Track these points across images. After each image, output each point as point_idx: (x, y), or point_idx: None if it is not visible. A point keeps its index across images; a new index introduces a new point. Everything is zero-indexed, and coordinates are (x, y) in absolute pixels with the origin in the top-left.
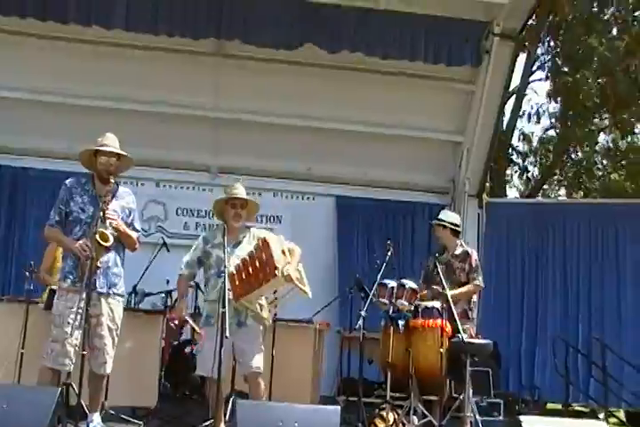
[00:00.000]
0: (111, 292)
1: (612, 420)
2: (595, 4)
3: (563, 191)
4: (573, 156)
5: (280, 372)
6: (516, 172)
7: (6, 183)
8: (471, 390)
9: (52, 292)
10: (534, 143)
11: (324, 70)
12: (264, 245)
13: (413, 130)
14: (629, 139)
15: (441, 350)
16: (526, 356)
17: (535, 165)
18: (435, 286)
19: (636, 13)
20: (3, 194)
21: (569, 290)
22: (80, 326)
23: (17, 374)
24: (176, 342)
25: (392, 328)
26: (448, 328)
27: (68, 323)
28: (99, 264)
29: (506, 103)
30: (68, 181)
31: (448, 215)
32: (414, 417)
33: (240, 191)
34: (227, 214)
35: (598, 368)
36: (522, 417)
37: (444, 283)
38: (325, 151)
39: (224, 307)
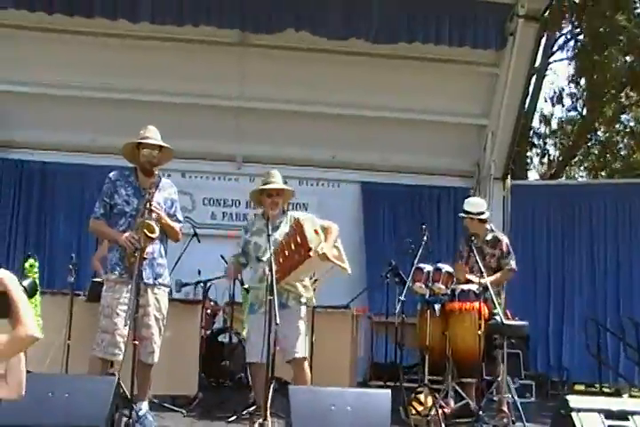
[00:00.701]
0: (157, 282)
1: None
2: None
3: (584, 173)
4: (596, 136)
5: (319, 358)
6: (537, 155)
7: (34, 178)
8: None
9: (95, 284)
10: (553, 125)
11: (346, 57)
12: (297, 227)
13: (437, 114)
14: None
15: (479, 332)
16: (554, 337)
17: (556, 147)
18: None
19: None
20: (32, 189)
21: (596, 270)
22: (129, 317)
23: (65, 363)
24: (209, 331)
25: (429, 312)
26: (485, 311)
27: (117, 314)
28: (145, 255)
29: (530, 85)
30: (111, 175)
31: (472, 204)
32: (451, 400)
33: (275, 180)
34: (264, 203)
35: (631, 348)
36: (568, 397)
37: (483, 270)
38: (349, 138)
39: (272, 294)
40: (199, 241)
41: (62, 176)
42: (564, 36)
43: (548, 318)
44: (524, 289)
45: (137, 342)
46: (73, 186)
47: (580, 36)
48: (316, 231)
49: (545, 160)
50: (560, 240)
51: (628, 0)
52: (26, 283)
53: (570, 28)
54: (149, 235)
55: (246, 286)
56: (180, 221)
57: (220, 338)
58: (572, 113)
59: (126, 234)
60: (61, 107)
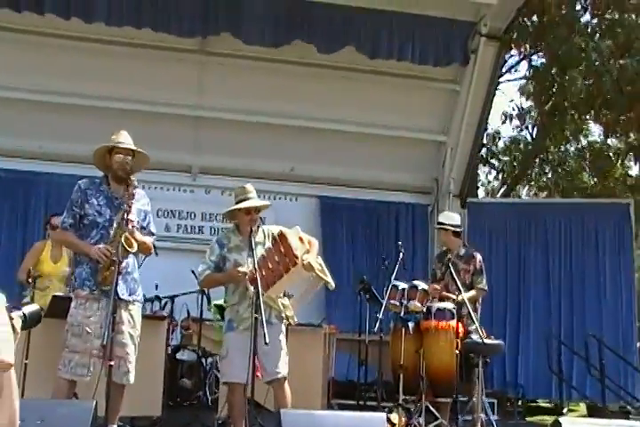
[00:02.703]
0: (131, 298)
1: (576, 413)
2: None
3: (534, 192)
4: (550, 156)
5: (290, 378)
6: (485, 173)
7: None
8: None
9: (56, 299)
10: (500, 144)
11: (308, 69)
12: (281, 238)
13: (397, 129)
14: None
15: (456, 351)
16: (510, 354)
17: (506, 166)
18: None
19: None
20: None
21: (550, 287)
22: (101, 336)
23: (22, 385)
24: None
25: (403, 330)
26: (461, 329)
27: (88, 332)
28: (120, 270)
29: (490, 103)
30: (81, 183)
31: (448, 217)
32: (420, 419)
33: (252, 196)
34: (240, 219)
35: (593, 367)
36: (561, 418)
37: (460, 286)
38: (308, 151)
39: (257, 312)
40: (157, 254)
41: (7, 183)
42: (515, 57)
43: (505, 335)
44: (482, 306)
45: (112, 363)
46: (17, 193)
47: (534, 57)
48: (300, 239)
49: (491, 178)
50: (516, 257)
51: (585, 26)
52: (28, 310)
53: (523, 49)
54: (128, 249)
55: (219, 302)
56: (152, 234)
57: (179, 355)
58: (522, 133)
59: (99, 246)
60: (6, 111)
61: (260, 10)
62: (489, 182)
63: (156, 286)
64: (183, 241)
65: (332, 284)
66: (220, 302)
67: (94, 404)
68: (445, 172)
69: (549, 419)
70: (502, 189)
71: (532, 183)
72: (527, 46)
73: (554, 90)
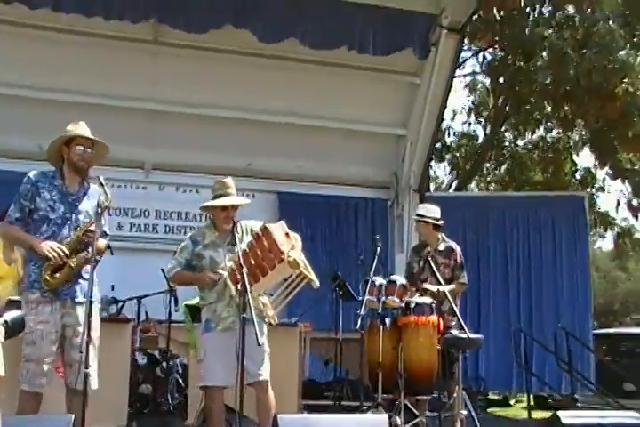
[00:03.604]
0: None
1: (521, 404)
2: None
3: (488, 186)
4: (503, 151)
5: None
6: (434, 168)
7: None
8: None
9: (11, 302)
10: (450, 137)
11: (265, 60)
12: (264, 233)
13: (356, 123)
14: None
15: (438, 346)
16: None
17: (458, 160)
18: (421, 283)
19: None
20: None
21: (509, 281)
22: (56, 341)
23: None
24: None
25: (381, 327)
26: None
27: (42, 338)
28: (73, 271)
29: (448, 96)
30: (32, 175)
31: (428, 209)
32: (397, 418)
33: (231, 192)
34: (216, 215)
35: (561, 360)
36: (559, 412)
37: (440, 278)
38: (266, 146)
39: (244, 311)
40: (112, 253)
41: None
42: (464, 53)
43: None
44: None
45: (88, 371)
46: None
47: (489, 50)
48: (287, 235)
49: (440, 173)
50: (475, 251)
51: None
52: (9, 316)
53: (479, 42)
54: (92, 256)
55: (191, 302)
56: (106, 235)
57: (138, 359)
58: (471, 127)
59: (50, 242)
60: None
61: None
62: (437, 177)
63: (112, 288)
64: (137, 240)
65: (317, 282)
66: (192, 302)
67: (72, 418)
68: (405, 166)
69: (498, 410)
70: (454, 184)
71: (483, 178)
72: (483, 40)
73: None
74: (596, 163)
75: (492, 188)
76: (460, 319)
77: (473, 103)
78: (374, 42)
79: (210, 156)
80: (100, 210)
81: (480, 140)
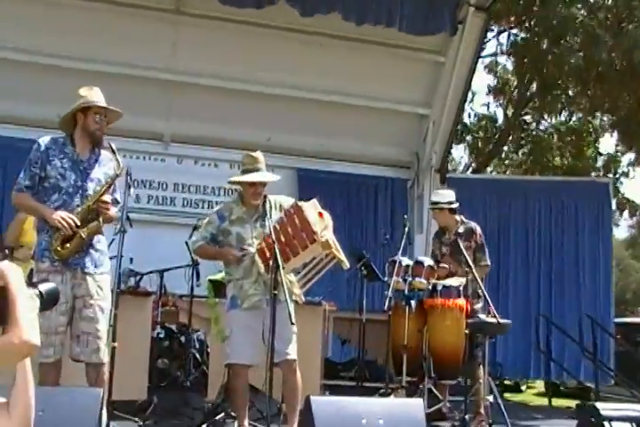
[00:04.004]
0: (98, 271)
1: (533, 391)
2: None
3: (505, 170)
4: (524, 133)
5: None
6: (456, 149)
7: None
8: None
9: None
10: (470, 118)
11: (288, 34)
12: (296, 210)
13: (378, 100)
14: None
15: (465, 331)
16: None
17: (477, 142)
18: (445, 265)
19: None
20: None
21: (530, 267)
22: (66, 312)
23: None
24: None
25: (407, 308)
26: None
27: (51, 309)
28: (84, 241)
29: (473, 76)
30: (42, 141)
31: (441, 195)
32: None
33: (261, 167)
34: (244, 190)
35: (585, 350)
36: (597, 404)
37: (471, 264)
38: (286, 121)
39: (275, 289)
40: (131, 226)
41: None
42: (490, 32)
43: None
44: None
45: (116, 345)
46: None
47: (514, 31)
48: (320, 214)
49: (459, 156)
50: (496, 235)
51: None
52: (44, 287)
53: (504, 23)
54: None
55: (215, 277)
56: (118, 202)
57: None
58: (493, 109)
59: (61, 212)
60: None
61: None
62: (452, 159)
63: (131, 260)
64: (154, 213)
65: (347, 263)
66: (216, 277)
67: (102, 391)
68: (427, 146)
69: (510, 396)
70: (471, 167)
71: (501, 161)
72: (510, 20)
73: (540, 64)
74: (619, 148)
75: (508, 172)
76: (490, 304)
77: (494, 85)
78: (401, 18)
79: (229, 129)
80: (109, 179)
81: (500, 123)
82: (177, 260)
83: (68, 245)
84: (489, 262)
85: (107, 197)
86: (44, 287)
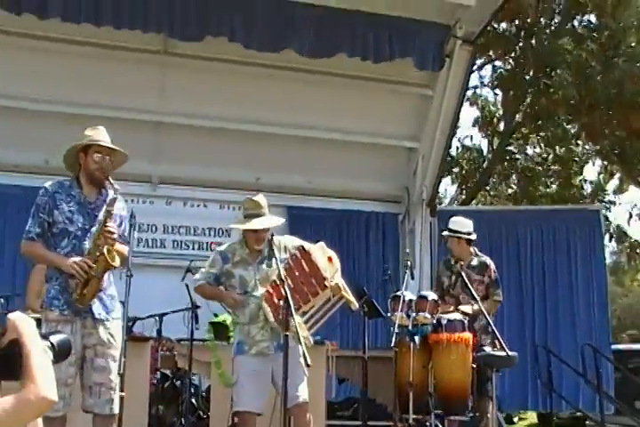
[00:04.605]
0: (110, 317)
1: (525, 422)
2: (557, 12)
3: (492, 201)
4: (511, 164)
5: None
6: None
7: None
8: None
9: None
10: (458, 151)
11: (275, 71)
12: (304, 255)
13: (367, 136)
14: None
15: (473, 365)
16: None
17: (462, 174)
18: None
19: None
20: None
21: (523, 297)
22: (75, 363)
23: None
24: None
25: (411, 344)
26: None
27: None
28: (100, 287)
29: (461, 109)
30: (48, 186)
31: (460, 224)
32: None
33: (264, 212)
34: (247, 236)
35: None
36: None
37: (475, 295)
38: (275, 159)
39: (286, 329)
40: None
41: None
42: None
43: None
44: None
45: (124, 394)
46: None
47: (498, 63)
48: (329, 259)
49: (444, 188)
50: None
51: (568, 30)
52: (55, 339)
53: (487, 55)
54: (112, 263)
55: (216, 319)
56: (128, 242)
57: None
58: (477, 141)
59: (75, 258)
60: None
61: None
62: (438, 192)
63: (123, 304)
64: (144, 256)
65: (356, 304)
66: (216, 319)
67: None
68: (417, 180)
69: None
70: (460, 198)
71: (487, 193)
72: (497, 52)
73: (528, 95)
74: (602, 176)
75: (495, 203)
76: (499, 337)
77: (478, 117)
78: (391, 53)
79: (218, 169)
80: (109, 208)
81: (485, 154)
82: (169, 303)
83: (85, 290)
84: (501, 298)
85: (112, 229)
86: (55, 339)
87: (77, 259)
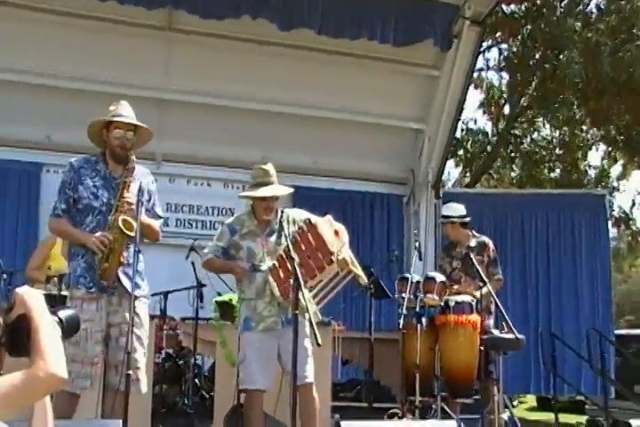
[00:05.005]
0: (137, 294)
1: (524, 406)
2: None
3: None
4: (515, 147)
5: None
6: (455, 162)
7: None
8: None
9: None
10: (462, 132)
11: (283, 50)
12: (310, 228)
13: (373, 116)
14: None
15: (480, 347)
16: None
17: (468, 156)
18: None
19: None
20: None
21: (527, 280)
22: (101, 341)
23: None
24: None
25: (418, 326)
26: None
27: (86, 339)
28: (122, 260)
29: (468, 90)
30: (74, 161)
31: (452, 209)
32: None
33: (273, 180)
34: (255, 205)
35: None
36: (632, 421)
37: (485, 279)
38: (280, 138)
39: (296, 309)
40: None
41: None
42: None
43: None
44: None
45: (131, 373)
46: None
47: (504, 46)
48: (336, 233)
49: (448, 170)
50: None
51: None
52: (63, 314)
53: (495, 37)
54: (127, 232)
55: (221, 298)
56: (159, 217)
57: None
58: (480, 124)
59: (97, 234)
60: None
61: None
62: (463, 171)
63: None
64: None
65: (365, 278)
66: (222, 298)
67: (121, 423)
68: (423, 162)
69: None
70: (464, 181)
71: (491, 176)
72: (504, 33)
73: (534, 77)
74: (604, 162)
75: (498, 186)
76: (508, 320)
77: (483, 100)
78: (395, 33)
79: (223, 148)
80: (123, 184)
81: (490, 137)
82: (173, 282)
83: (106, 264)
84: (501, 277)
85: (129, 199)
86: (63, 314)
87: (98, 234)
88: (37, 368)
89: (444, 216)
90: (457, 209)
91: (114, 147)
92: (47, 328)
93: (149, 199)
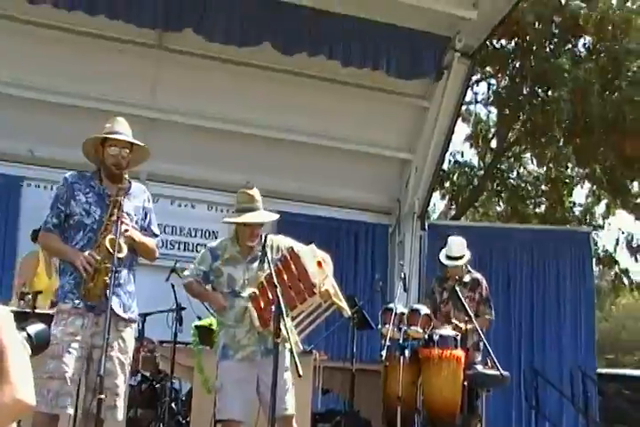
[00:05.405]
0: (126, 316)
1: None
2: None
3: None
4: (502, 182)
5: None
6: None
7: None
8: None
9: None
10: (449, 165)
11: (271, 74)
12: (293, 258)
13: (361, 144)
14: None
15: (464, 382)
16: None
17: (454, 189)
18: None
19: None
20: None
21: (511, 315)
22: (81, 358)
23: None
24: None
25: (401, 358)
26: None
27: (69, 353)
28: (107, 280)
29: (457, 122)
30: (68, 176)
31: (457, 249)
32: None
33: (259, 206)
34: (239, 231)
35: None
36: None
37: (471, 315)
38: (266, 162)
39: (277, 337)
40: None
41: None
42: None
43: None
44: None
45: (103, 396)
46: None
47: (493, 81)
48: (319, 264)
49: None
50: None
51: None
52: (32, 329)
53: (483, 72)
54: (117, 255)
55: (200, 322)
56: (155, 235)
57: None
58: (467, 157)
59: (85, 253)
60: None
61: (227, 7)
62: (450, 205)
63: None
64: None
65: (348, 311)
66: (202, 322)
67: None
68: (409, 192)
69: None
70: (450, 213)
71: (476, 210)
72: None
73: (523, 113)
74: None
75: (483, 220)
76: (493, 356)
77: (470, 133)
78: (388, 61)
79: (208, 169)
80: (117, 197)
81: (476, 171)
82: (152, 303)
83: (91, 284)
84: (493, 316)
85: (123, 219)
86: (32, 329)
87: (86, 253)
88: (2, 394)
89: (450, 258)
90: (462, 249)
91: (108, 165)
92: (15, 351)
93: (145, 217)
